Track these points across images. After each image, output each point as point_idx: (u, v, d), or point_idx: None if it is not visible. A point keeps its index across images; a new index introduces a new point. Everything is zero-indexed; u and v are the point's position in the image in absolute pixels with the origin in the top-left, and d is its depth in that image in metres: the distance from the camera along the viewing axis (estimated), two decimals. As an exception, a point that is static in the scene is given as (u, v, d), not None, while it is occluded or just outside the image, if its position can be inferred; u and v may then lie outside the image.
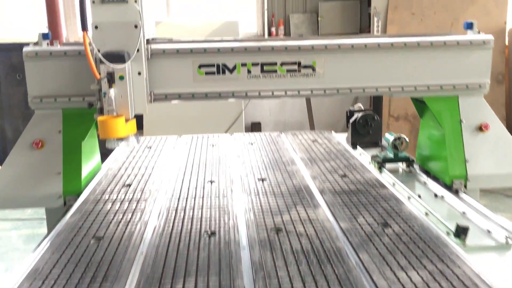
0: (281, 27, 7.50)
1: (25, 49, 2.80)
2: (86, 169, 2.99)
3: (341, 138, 4.11)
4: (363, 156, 3.58)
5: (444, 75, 2.92)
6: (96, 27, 2.59)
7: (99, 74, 2.53)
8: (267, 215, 2.38)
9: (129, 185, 2.90)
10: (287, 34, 7.60)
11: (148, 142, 3.89)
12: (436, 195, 2.82)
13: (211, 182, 2.93)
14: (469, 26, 2.98)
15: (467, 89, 2.93)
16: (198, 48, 2.83)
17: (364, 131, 3.92)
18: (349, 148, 3.78)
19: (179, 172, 3.14)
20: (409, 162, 3.33)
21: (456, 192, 2.83)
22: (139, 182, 2.97)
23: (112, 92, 2.53)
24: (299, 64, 2.89)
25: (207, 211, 2.46)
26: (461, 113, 2.96)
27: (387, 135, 3.44)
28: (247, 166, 3.23)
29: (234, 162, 3.36)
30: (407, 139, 3.32)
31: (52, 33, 5.85)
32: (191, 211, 2.47)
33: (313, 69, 2.90)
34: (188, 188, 2.82)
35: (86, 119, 2.85)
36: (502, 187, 4.49)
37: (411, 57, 2.90)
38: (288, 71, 2.89)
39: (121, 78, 2.55)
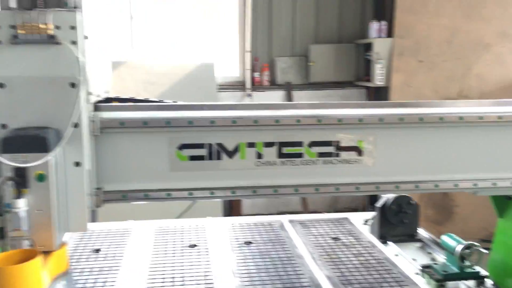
0: (266, 72, 6.52)
1: None
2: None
3: (356, 220, 3.09)
4: (401, 259, 2.54)
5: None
6: (1, 86, 1.47)
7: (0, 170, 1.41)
8: None
9: None
10: (273, 80, 6.60)
11: (95, 238, 2.68)
12: None
13: None
14: None
15: None
16: (179, 118, 1.75)
17: (397, 220, 2.90)
18: (380, 245, 2.72)
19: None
20: (480, 279, 2.30)
21: None
22: None
23: (22, 204, 1.39)
24: (337, 145, 1.86)
25: None
26: None
27: (445, 238, 2.39)
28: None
29: None
30: (483, 250, 2.28)
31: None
32: None
33: (359, 153, 1.87)
34: None
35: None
36: None
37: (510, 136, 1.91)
38: (320, 155, 1.85)
39: (41, 178, 1.42)
